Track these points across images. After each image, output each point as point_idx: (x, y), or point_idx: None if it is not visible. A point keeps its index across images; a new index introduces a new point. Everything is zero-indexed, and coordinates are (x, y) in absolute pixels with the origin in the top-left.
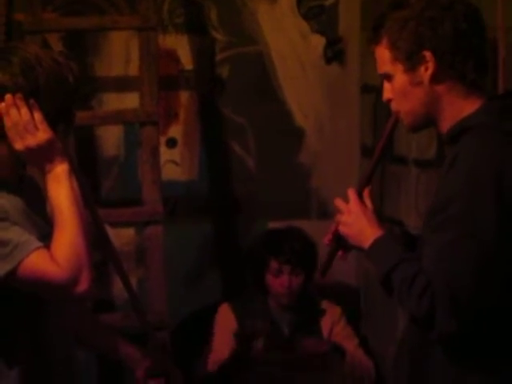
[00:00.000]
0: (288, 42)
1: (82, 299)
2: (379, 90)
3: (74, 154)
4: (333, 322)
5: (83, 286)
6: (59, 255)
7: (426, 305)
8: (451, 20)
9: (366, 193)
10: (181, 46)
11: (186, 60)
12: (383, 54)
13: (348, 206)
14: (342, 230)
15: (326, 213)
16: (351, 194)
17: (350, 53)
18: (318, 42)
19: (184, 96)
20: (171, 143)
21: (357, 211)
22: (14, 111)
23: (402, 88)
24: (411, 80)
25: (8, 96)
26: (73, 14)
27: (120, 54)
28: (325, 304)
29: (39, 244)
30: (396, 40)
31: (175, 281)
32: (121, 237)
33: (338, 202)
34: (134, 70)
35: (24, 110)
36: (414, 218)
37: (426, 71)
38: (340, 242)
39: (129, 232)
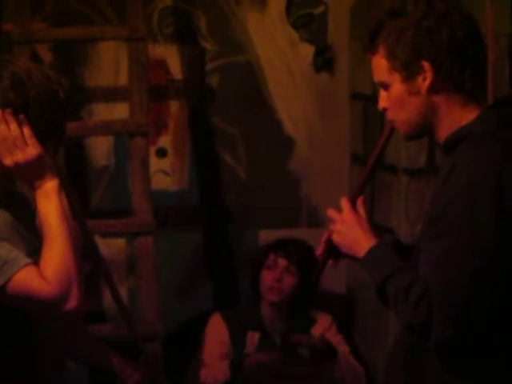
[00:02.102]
0: (277, 51)
1: (72, 315)
2: (369, 98)
3: (64, 164)
4: (324, 331)
5: (73, 302)
6: (48, 272)
7: (423, 313)
8: (448, 29)
9: (359, 201)
10: (170, 56)
11: (176, 70)
12: (380, 63)
13: (341, 215)
14: (336, 239)
15: (317, 221)
16: (344, 202)
17: (340, 61)
18: (308, 50)
19: (174, 106)
20: (161, 153)
21: (350, 220)
22: (2, 126)
23: (398, 97)
24: (408, 90)
25: None
26: (62, 24)
27: (109, 64)
28: (315, 313)
29: (28, 260)
30: (393, 49)
31: (166, 291)
32: (111, 247)
33: (331, 212)
34: (123, 80)
35: (13, 126)
36: (405, 226)
37: (423, 81)
38: (332, 251)
39: (119, 242)
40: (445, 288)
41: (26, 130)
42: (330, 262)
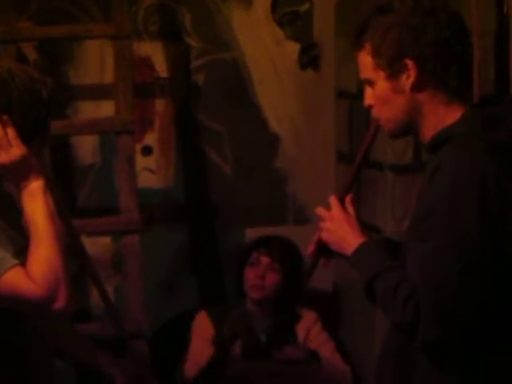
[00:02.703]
0: (263, 49)
1: (60, 315)
2: (354, 96)
3: (49, 162)
4: (309, 328)
5: (61, 302)
6: (35, 272)
7: (411, 312)
8: (434, 27)
9: (347, 199)
10: (155, 54)
11: (161, 67)
12: (365, 60)
13: (330, 212)
14: (325, 236)
15: (303, 218)
16: (333, 200)
17: (325, 59)
18: (293, 48)
19: (159, 103)
20: (146, 151)
21: (339, 218)
22: None
23: (383, 95)
24: (393, 87)
25: None
26: (47, 22)
27: (95, 62)
28: (300, 310)
29: (15, 261)
30: (378, 46)
31: (152, 288)
32: (97, 245)
33: (320, 210)
34: (108, 78)
35: None
36: (391, 224)
37: (407, 79)
38: (323, 250)
39: (105, 240)
40: (431, 288)
41: (10, 131)
42: (322, 261)
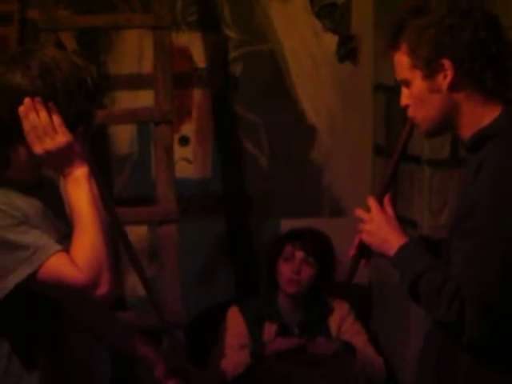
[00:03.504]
0: (301, 40)
1: (103, 301)
2: (392, 90)
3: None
4: (341, 319)
5: (104, 288)
6: (79, 258)
7: (456, 311)
8: (470, 28)
9: (386, 200)
10: (194, 44)
11: (199, 58)
12: (402, 60)
13: (370, 214)
14: (366, 238)
15: (339, 211)
16: (372, 202)
17: (363, 51)
18: (331, 40)
19: (197, 94)
20: (184, 141)
21: (379, 219)
22: (32, 115)
23: (419, 94)
24: (429, 87)
25: (27, 100)
26: (86, 11)
27: (133, 52)
28: (333, 302)
29: (59, 247)
30: (415, 47)
31: (188, 279)
32: (133, 234)
33: (360, 212)
34: (146, 68)
35: (43, 114)
36: (427, 218)
37: (444, 79)
38: (364, 251)
39: (141, 230)
40: (476, 287)
41: (56, 118)
42: (362, 261)
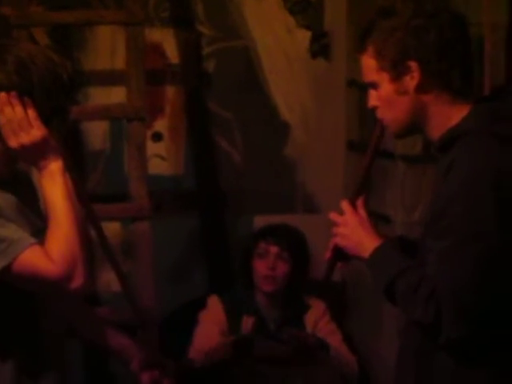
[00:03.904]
0: (274, 37)
1: (77, 294)
2: (365, 86)
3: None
4: (317, 317)
5: (78, 281)
6: (53, 251)
7: (432, 311)
8: (436, 29)
9: (359, 202)
10: (167, 41)
11: (172, 54)
12: (369, 62)
13: (343, 217)
14: (340, 242)
15: (312, 207)
16: (345, 205)
17: (336, 47)
18: (304, 36)
19: (170, 90)
20: (157, 137)
21: (353, 222)
22: (8, 109)
23: (387, 97)
24: (397, 89)
25: (2, 94)
26: (59, 8)
27: (106, 48)
28: (309, 299)
29: (33, 241)
30: (381, 49)
31: (162, 275)
32: (106, 230)
33: (333, 215)
34: (119, 64)
35: (18, 108)
36: (401, 213)
37: (411, 80)
38: (339, 254)
39: (114, 226)
40: (451, 286)
41: (31, 112)
42: (339, 264)
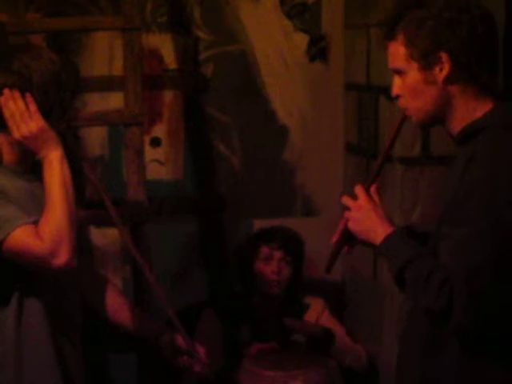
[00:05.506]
0: (271, 41)
1: (60, 271)
2: (363, 88)
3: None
4: (317, 315)
5: (62, 258)
6: (43, 231)
7: (444, 298)
8: (469, 23)
9: (372, 189)
10: (164, 46)
11: (170, 59)
12: (397, 50)
13: (357, 202)
14: (351, 226)
15: (311, 210)
16: (359, 190)
17: (334, 51)
18: (302, 39)
19: (168, 95)
20: (155, 143)
21: (366, 207)
22: (11, 103)
23: (414, 85)
24: (425, 79)
25: (6, 90)
26: (56, 14)
27: (103, 54)
28: (308, 299)
29: (28, 220)
30: (413, 38)
31: (161, 280)
32: (106, 236)
33: (346, 199)
34: (117, 70)
35: (20, 102)
36: (398, 216)
37: (440, 71)
38: (347, 239)
39: (114, 231)
40: (465, 275)
41: (32, 107)
42: (345, 248)
